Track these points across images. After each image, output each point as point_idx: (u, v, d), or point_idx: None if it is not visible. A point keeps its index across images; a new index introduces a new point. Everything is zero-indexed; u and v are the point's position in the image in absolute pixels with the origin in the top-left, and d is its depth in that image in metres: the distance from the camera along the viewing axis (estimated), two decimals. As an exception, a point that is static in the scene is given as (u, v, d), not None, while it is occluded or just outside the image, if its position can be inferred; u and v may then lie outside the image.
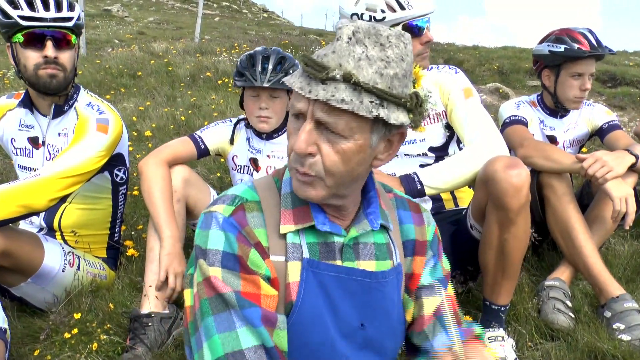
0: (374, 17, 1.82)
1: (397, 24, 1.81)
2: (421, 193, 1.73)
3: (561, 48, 2.21)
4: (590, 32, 2.21)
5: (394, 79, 0.84)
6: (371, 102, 0.82)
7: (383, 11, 1.80)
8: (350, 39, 0.83)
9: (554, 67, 2.27)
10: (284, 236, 0.95)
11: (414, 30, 1.82)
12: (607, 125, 2.33)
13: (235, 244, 0.90)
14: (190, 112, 4.71)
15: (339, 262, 0.96)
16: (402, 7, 1.79)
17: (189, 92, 5.52)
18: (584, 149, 2.55)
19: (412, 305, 1.07)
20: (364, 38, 0.84)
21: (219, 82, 5.93)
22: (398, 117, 0.85)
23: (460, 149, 2.01)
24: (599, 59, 2.24)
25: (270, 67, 1.92)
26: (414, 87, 0.92)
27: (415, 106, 0.87)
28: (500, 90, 6.56)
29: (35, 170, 1.93)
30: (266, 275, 0.92)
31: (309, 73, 0.83)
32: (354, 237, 0.98)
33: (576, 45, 2.19)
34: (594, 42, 2.18)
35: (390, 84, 0.84)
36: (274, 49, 2.06)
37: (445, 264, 1.14)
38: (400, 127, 0.90)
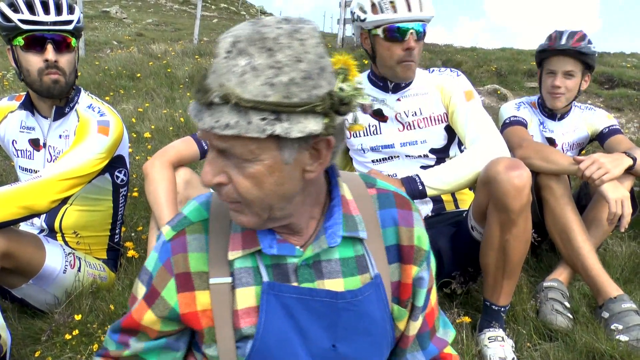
0: (359, 17, 1.84)
1: (379, 27, 1.81)
2: (423, 194, 1.74)
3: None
4: (572, 32, 2.22)
5: (290, 86, 0.72)
6: (263, 119, 0.72)
7: (365, 11, 1.81)
8: (229, 52, 0.73)
9: (540, 65, 2.35)
10: (230, 260, 0.90)
11: (394, 34, 1.80)
12: (607, 129, 2.34)
13: (157, 270, 0.93)
14: (189, 113, 4.71)
15: (295, 284, 0.89)
16: (381, 10, 1.79)
17: (188, 94, 5.52)
18: (582, 152, 2.56)
19: (406, 315, 0.99)
20: (247, 47, 0.72)
21: (218, 83, 5.92)
22: (305, 127, 0.74)
23: (461, 150, 2.02)
24: (569, 54, 2.20)
25: None
26: (347, 80, 0.81)
27: (332, 107, 0.76)
28: (499, 92, 6.57)
29: (36, 172, 1.93)
30: (173, 309, 0.91)
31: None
32: (309, 256, 0.89)
33: (547, 42, 2.26)
34: (562, 40, 2.21)
35: (286, 92, 0.72)
36: None
37: (433, 270, 1.04)
38: (318, 135, 0.77)
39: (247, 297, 0.90)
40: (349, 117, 0.85)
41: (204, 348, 0.94)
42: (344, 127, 0.86)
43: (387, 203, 0.98)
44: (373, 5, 1.80)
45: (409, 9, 1.78)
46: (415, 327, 1.01)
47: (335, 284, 0.91)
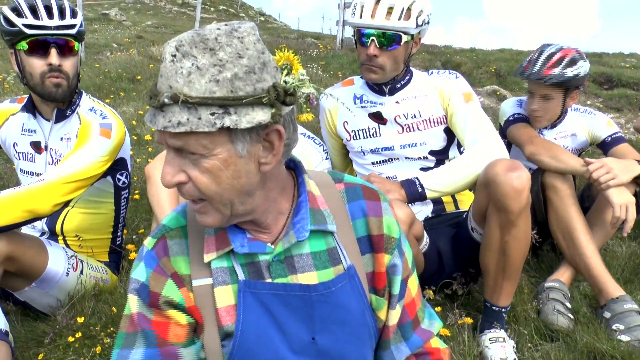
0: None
1: (354, 28, 1.87)
2: (422, 196, 1.75)
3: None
4: (548, 56, 2.13)
5: (234, 81, 0.77)
6: (212, 114, 0.77)
7: (354, 13, 1.85)
8: (174, 56, 0.78)
9: None
10: (209, 262, 0.93)
11: (360, 38, 1.84)
12: (610, 138, 2.28)
13: (149, 277, 0.92)
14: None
15: (268, 281, 0.93)
16: (353, 14, 1.84)
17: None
18: (582, 154, 2.56)
19: (385, 304, 1.01)
20: (190, 49, 0.77)
21: (218, 85, 5.93)
22: (253, 118, 0.79)
23: (460, 152, 2.03)
24: (542, 81, 2.12)
25: None
26: (290, 74, 0.87)
27: (277, 98, 0.81)
28: (498, 93, 6.59)
29: (37, 174, 1.94)
30: (180, 304, 0.93)
31: (149, 105, 0.81)
32: (280, 252, 0.93)
33: (524, 66, 2.20)
34: (536, 65, 2.13)
35: (231, 87, 0.77)
36: None
37: (408, 259, 1.04)
38: (267, 125, 0.82)
39: (225, 295, 0.93)
40: (295, 108, 0.90)
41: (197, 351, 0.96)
42: (293, 118, 0.90)
43: (354, 196, 1.01)
44: (353, 7, 1.87)
45: (372, 16, 1.79)
46: (394, 316, 1.02)
47: (309, 278, 0.94)
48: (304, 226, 0.93)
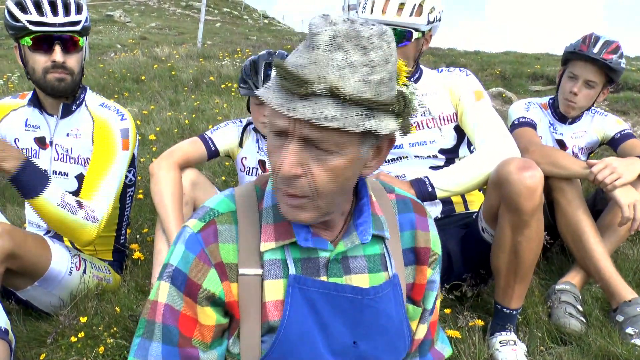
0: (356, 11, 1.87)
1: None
2: (432, 196, 1.72)
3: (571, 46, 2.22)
4: (607, 42, 2.13)
5: (380, 85, 0.76)
6: (358, 114, 0.75)
7: (364, 9, 1.83)
8: (329, 45, 0.74)
9: (564, 65, 2.29)
10: (261, 252, 0.90)
11: None
12: (619, 134, 2.30)
13: (190, 263, 0.88)
14: (194, 115, 4.71)
15: (324, 279, 0.90)
16: (364, 10, 1.82)
17: (193, 96, 5.52)
18: (591, 155, 2.53)
19: (419, 316, 1.03)
20: (343, 42, 0.74)
21: (222, 86, 5.93)
22: (388, 125, 0.78)
23: (470, 151, 2.00)
24: (597, 64, 2.13)
25: (273, 74, 1.91)
26: (398, 84, 0.84)
27: (403, 109, 0.80)
28: (503, 95, 6.56)
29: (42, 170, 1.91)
30: (219, 298, 0.88)
31: (287, 88, 0.75)
32: (341, 251, 0.91)
33: (580, 45, 2.19)
34: (596, 47, 2.13)
35: (376, 90, 0.76)
36: (278, 52, 2.05)
37: (439, 279, 1.07)
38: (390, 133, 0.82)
39: (275, 289, 0.89)
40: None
41: (230, 345, 0.93)
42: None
43: (405, 208, 1.02)
44: (363, 3, 1.85)
45: (383, 12, 1.78)
46: (422, 330, 1.04)
47: (361, 280, 0.93)
48: (367, 229, 0.91)
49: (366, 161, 0.84)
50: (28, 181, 1.58)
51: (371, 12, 1.80)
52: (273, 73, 1.88)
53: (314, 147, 0.78)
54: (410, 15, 1.77)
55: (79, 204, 1.71)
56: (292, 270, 0.89)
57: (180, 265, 0.88)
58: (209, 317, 0.88)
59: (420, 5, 1.78)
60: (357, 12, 1.87)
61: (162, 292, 0.89)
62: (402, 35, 1.79)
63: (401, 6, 1.77)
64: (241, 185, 0.98)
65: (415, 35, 1.80)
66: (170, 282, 0.89)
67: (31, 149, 1.93)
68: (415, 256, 1.00)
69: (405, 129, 0.83)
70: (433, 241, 1.02)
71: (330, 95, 0.73)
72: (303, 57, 0.75)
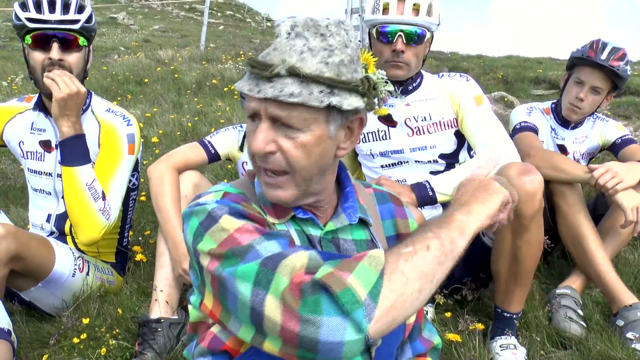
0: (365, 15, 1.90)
1: (374, 26, 1.86)
2: (433, 200, 1.73)
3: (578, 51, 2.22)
4: (615, 48, 2.13)
5: (340, 66, 0.86)
6: (321, 91, 0.84)
7: (364, 10, 1.86)
8: (289, 33, 0.86)
9: (570, 70, 2.28)
10: (271, 223, 0.97)
11: (383, 35, 1.83)
12: (620, 140, 2.29)
13: (238, 205, 0.91)
14: (196, 118, 4.73)
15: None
16: (376, 11, 1.84)
17: (195, 99, 5.53)
18: (592, 160, 2.53)
19: None
20: (303, 31, 0.86)
21: (225, 89, 5.94)
22: (351, 102, 0.87)
23: (470, 156, 2.00)
24: (605, 71, 2.12)
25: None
26: (367, 72, 0.96)
27: (368, 90, 0.90)
28: (506, 99, 6.55)
29: (47, 174, 1.92)
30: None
31: (255, 74, 0.85)
32: (331, 230, 0.99)
33: (587, 51, 2.17)
34: (603, 54, 2.12)
35: (337, 71, 0.86)
36: None
37: None
38: (357, 112, 0.92)
39: None
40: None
41: None
42: (366, 115, 0.97)
43: (383, 199, 1.13)
44: (374, 5, 1.86)
45: (401, 12, 1.80)
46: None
47: None
48: (354, 212, 1.00)
49: (339, 142, 0.93)
50: (72, 150, 1.74)
51: (384, 14, 1.81)
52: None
53: (283, 126, 0.86)
54: (426, 15, 1.82)
55: (103, 195, 1.78)
56: (297, 242, 0.95)
57: (231, 207, 0.90)
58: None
59: (431, 6, 1.82)
60: (359, 15, 1.89)
61: (232, 222, 0.87)
62: (418, 35, 1.83)
63: (416, 6, 1.81)
64: (233, 181, 1.08)
65: (428, 35, 1.85)
66: (229, 214, 0.88)
67: (36, 152, 1.94)
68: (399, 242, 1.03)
69: (371, 105, 0.93)
70: (413, 227, 1.11)
71: (292, 74, 0.83)
72: (269, 48, 0.87)
